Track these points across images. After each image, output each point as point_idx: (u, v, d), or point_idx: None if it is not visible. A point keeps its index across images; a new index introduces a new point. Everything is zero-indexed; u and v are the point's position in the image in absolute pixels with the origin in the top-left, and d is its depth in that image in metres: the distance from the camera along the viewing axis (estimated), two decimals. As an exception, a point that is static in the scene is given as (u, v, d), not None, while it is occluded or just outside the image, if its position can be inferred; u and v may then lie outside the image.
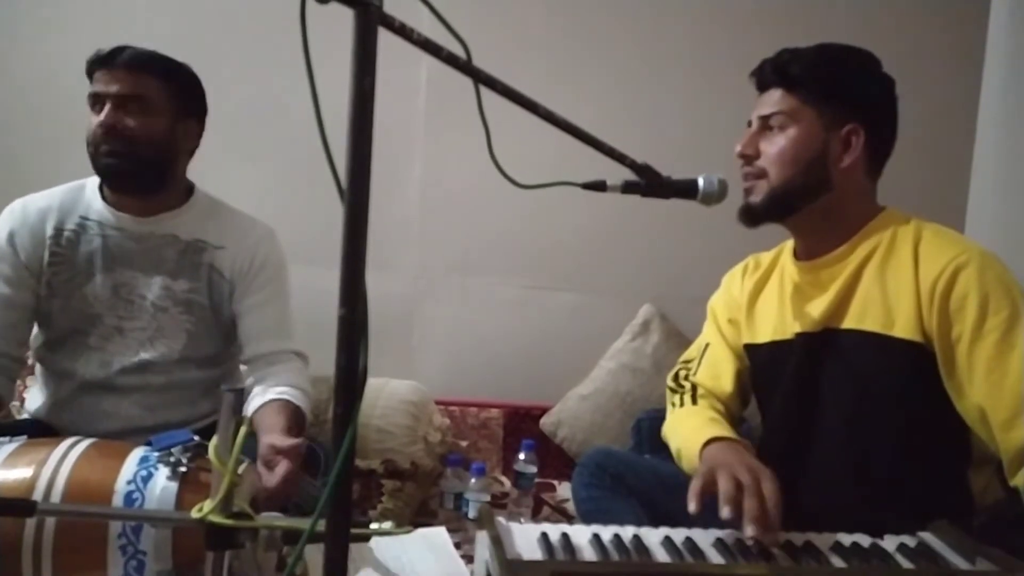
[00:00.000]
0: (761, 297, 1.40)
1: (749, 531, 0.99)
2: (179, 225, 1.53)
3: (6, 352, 1.45)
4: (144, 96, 1.44)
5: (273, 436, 1.30)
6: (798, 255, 1.33)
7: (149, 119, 1.44)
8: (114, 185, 1.49)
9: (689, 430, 1.29)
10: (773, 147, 1.25)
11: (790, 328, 1.30)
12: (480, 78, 0.74)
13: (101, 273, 1.48)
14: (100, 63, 1.43)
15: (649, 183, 0.96)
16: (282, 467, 1.22)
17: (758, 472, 1.07)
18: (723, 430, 1.24)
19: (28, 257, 1.47)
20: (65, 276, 1.48)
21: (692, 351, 1.50)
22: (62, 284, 1.48)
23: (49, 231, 1.48)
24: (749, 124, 1.30)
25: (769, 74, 1.27)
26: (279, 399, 1.44)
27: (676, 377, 1.46)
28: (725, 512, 1.01)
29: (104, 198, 1.51)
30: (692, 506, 1.05)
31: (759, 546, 1.00)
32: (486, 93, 0.77)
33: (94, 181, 1.53)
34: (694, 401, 1.37)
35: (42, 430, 1.45)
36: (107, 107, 1.42)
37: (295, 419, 1.41)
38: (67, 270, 1.48)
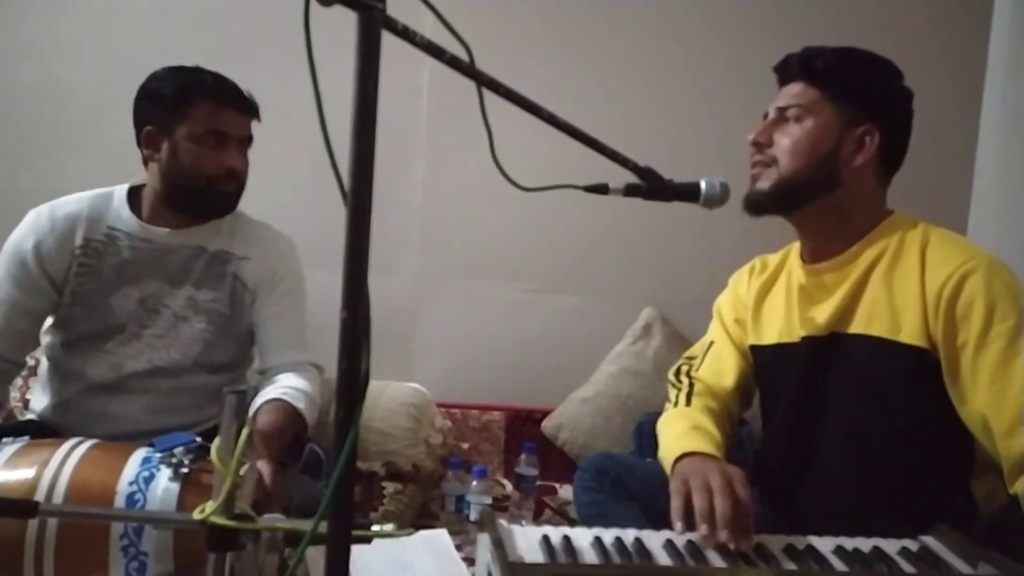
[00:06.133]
0: (768, 299, 1.40)
1: (722, 536, 0.99)
2: (207, 237, 1.54)
3: (10, 358, 1.45)
4: (250, 139, 1.54)
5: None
6: (804, 258, 1.33)
7: (246, 159, 1.54)
8: (205, 215, 1.53)
9: (669, 437, 1.28)
10: (787, 137, 1.25)
11: (796, 331, 1.30)
12: (483, 81, 0.74)
13: (128, 285, 1.49)
14: (227, 101, 1.47)
15: (651, 186, 0.95)
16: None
17: (731, 477, 1.07)
18: (700, 442, 1.21)
19: (54, 266, 1.46)
20: (91, 286, 1.48)
21: (696, 348, 1.50)
22: (87, 293, 1.48)
23: (78, 240, 1.47)
24: (765, 116, 1.30)
25: (794, 67, 1.28)
26: (275, 399, 1.42)
27: (677, 372, 1.45)
28: (703, 530, 1.01)
29: (132, 209, 1.51)
30: (678, 527, 1.05)
31: (758, 549, 1.00)
32: (488, 96, 0.77)
33: (122, 190, 1.53)
34: (688, 401, 1.37)
35: (45, 431, 1.44)
36: (232, 150, 1.48)
37: (287, 419, 1.40)
38: (93, 280, 1.48)
